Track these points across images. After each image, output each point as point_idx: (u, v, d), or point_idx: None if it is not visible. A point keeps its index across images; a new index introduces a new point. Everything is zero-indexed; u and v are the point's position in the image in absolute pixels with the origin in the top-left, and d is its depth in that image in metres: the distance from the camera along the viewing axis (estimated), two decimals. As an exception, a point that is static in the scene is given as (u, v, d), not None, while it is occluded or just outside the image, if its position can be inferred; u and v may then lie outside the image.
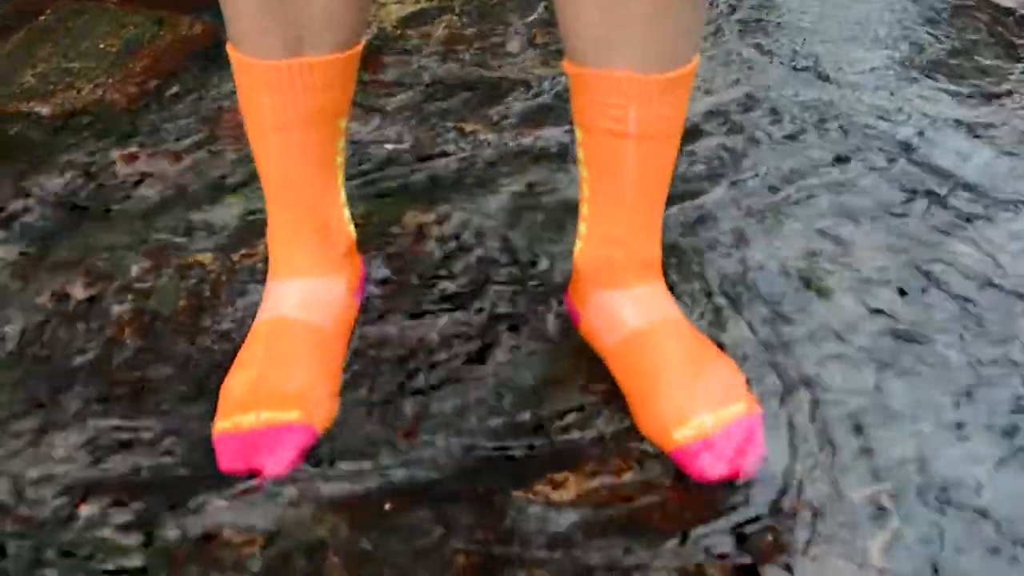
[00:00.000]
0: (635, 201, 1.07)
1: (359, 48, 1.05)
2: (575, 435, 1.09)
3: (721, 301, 1.24)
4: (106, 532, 1.00)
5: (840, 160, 1.44)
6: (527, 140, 1.48)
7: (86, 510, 1.02)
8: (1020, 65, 1.65)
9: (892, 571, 0.97)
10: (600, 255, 1.12)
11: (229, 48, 1.03)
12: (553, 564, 0.98)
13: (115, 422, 1.10)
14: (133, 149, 1.46)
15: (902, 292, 1.25)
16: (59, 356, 1.18)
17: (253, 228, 1.33)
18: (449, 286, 1.26)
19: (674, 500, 1.03)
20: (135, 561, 0.98)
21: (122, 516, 1.02)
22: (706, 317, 1.22)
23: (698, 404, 1.05)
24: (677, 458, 1.05)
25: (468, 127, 1.50)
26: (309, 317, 1.11)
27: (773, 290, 1.25)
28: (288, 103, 1.02)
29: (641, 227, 1.10)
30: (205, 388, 1.13)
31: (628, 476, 1.05)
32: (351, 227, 1.18)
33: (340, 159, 1.11)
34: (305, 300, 1.12)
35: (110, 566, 0.98)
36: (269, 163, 1.08)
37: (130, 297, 1.25)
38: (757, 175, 1.42)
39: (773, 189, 1.40)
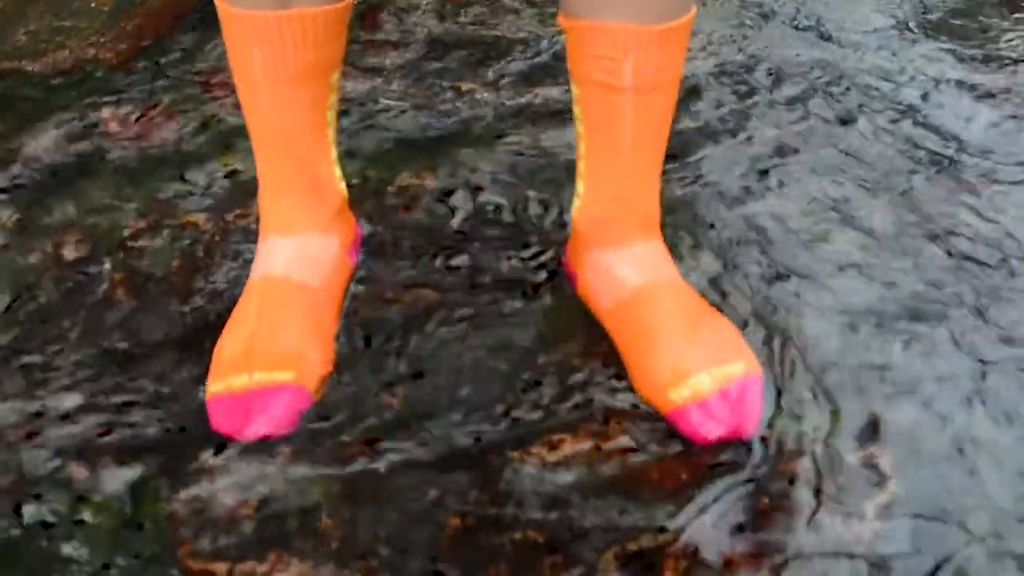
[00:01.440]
0: (633, 155, 1.06)
1: (349, 1, 1.03)
2: (572, 396, 1.08)
3: (720, 261, 1.23)
4: (99, 494, 1.00)
5: (843, 121, 1.43)
6: (525, 99, 1.46)
7: (79, 471, 1.01)
8: (1025, 25, 1.64)
9: (888, 533, 0.97)
10: (599, 213, 1.11)
11: (217, 0, 1.01)
12: (548, 526, 0.97)
13: (107, 383, 1.10)
14: (125, 108, 1.45)
15: (905, 254, 1.24)
16: (51, 317, 1.16)
17: (246, 189, 1.32)
18: (444, 246, 1.24)
19: (670, 461, 1.03)
20: (128, 523, 0.97)
21: (115, 478, 1.01)
22: (704, 276, 1.21)
23: (694, 364, 1.04)
24: (673, 419, 1.04)
25: (465, 86, 1.48)
26: (301, 276, 1.10)
27: (773, 251, 1.24)
28: (278, 56, 1.01)
29: (640, 182, 1.09)
30: (198, 349, 1.12)
31: (625, 437, 1.04)
32: (343, 185, 1.16)
33: (331, 115, 1.10)
34: (297, 258, 1.11)
35: (103, 528, 0.97)
36: (258, 117, 1.06)
37: (123, 258, 1.23)
38: (758, 135, 1.41)
39: (775, 149, 1.38)
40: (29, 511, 0.98)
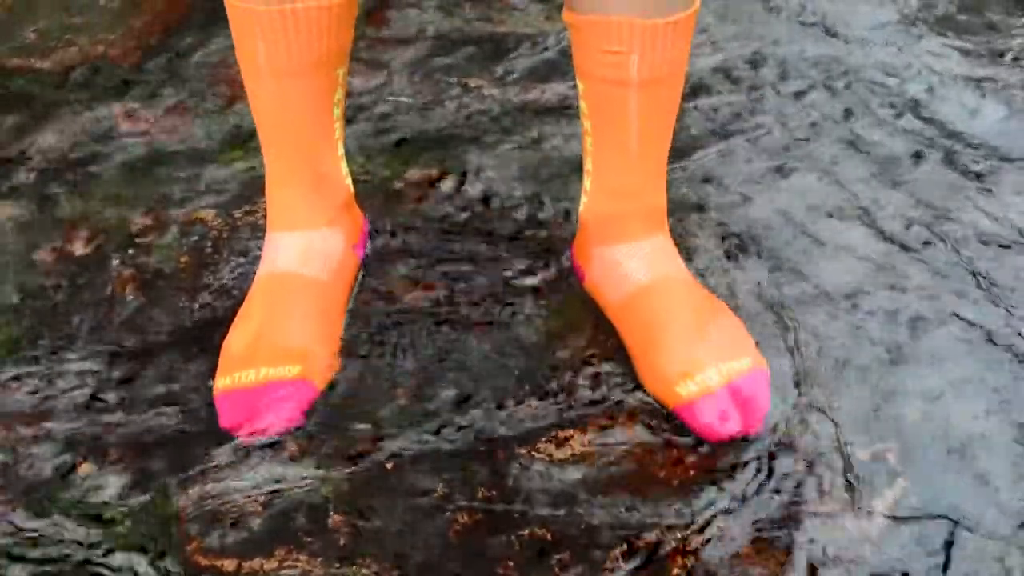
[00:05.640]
0: (640, 150, 1.06)
1: (355, -4, 1.04)
2: (579, 392, 1.08)
3: (726, 256, 1.23)
4: (106, 490, 1.00)
5: (848, 116, 1.43)
6: (531, 95, 1.46)
7: (86, 467, 1.02)
8: (1031, 20, 1.63)
9: (898, 529, 0.97)
10: (605, 208, 1.11)
11: (224, -6, 1.02)
12: (556, 523, 0.97)
13: (116, 379, 1.10)
14: (134, 105, 1.45)
15: (910, 249, 1.24)
16: (60, 313, 1.17)
17: (255, 184, 1.32)
18: (452, 242, 1.25)
19: (678, 457, 1.03)
20: (135, 519, 0.98)
21: (122, 474, 1.01)
22: (711, 272, 1.21)
23: (702, 359, 1.04)
24: (682, 415, 1.04)
25: (472, 82, 1.48)
26: (308, 271, 1.11)
27: (779, 246, 1.24)
28: (282, 50, 1.01)
29: (647, 176, 1.09)
30: (206, 345, 1.13)
31: (632, 433, 1.05)
32: (349, 180, 1.17)
33: (338, 111, 1.10)
34: (303, 253, 1.11)
35: (109, 522, 0.97)
36: (264, 110, 1.07)
37: (131, 254, 1.24)
38: (764, 131, 1.41)
39: (780, 145, 1.38)
40: (37, 507, 0.99)
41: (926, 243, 1.24)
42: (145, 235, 1.26)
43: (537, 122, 1.42)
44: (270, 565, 0.94)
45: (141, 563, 0.95)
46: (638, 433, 1.05)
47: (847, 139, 1.39)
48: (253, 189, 1.31)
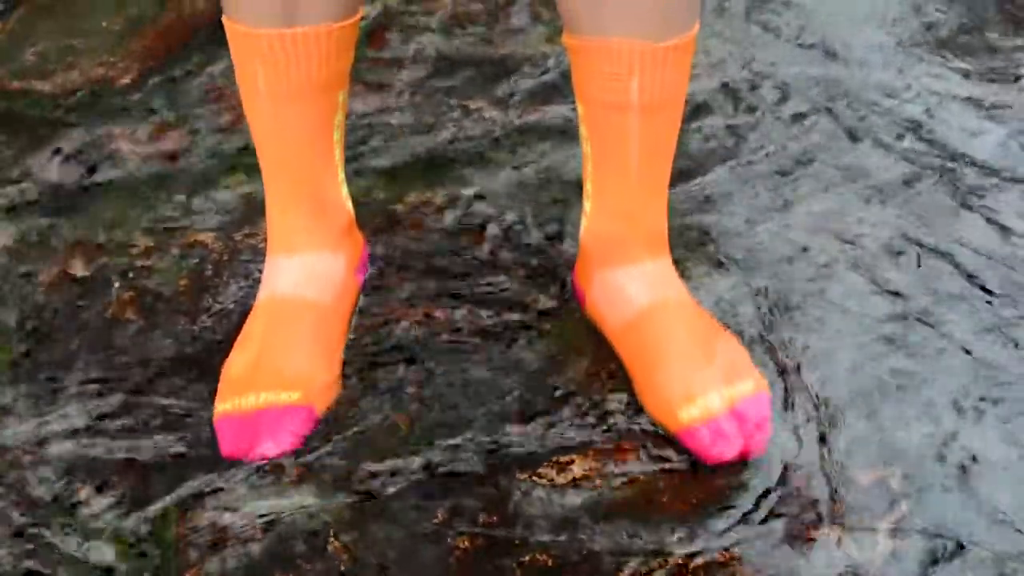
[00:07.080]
0: (640, 172, 1.06)
1: (356, 20, 1.04)
2: (580, 417, 1.08)
3: (727, 279, 1.23)
4: (105, 514, 1.00)
5: (848, 138, 1.43)
6: (532, 118, 1.46)
7: (85, 492, 1.02)
8: (1031, 42, 1.64)
9: (901, 554, 0.97)
10: (606, 231, 1.11)
11: (224, 18, 1.02)
12: (558, 548, 0.97)
13: (115, 403, 1.10)
14: (135, 127, 1.45)
15: (911, 271, 1.24)
16: (59, 336, 1.17)
17: (255, 207, 1.32)
18: (452, 265, 1.24)
19: (681, 483, 1.03)
20: (136, 545, 0.98)
21: (122, 499, 1.01)
22: (711, 295, 1.21)
23: (704, 384, 1.04)
24: (683, 439, 1.04)
25: (473, 104, 1.49)
26: (308, 295, 1.11)
27: (779, 268, 1.24)
28: (281, 73, 1.01)
29: (647, 198, 1.09)
30: (206, 369, 1.13)
31: (634, 458, 1.05)
32: (349, 204, 1.17)
33: (338, 134, 1.10)
34: (304, 277, 1.11)
35: (109, 548, 0.97)
36: (264, 134, 1.07)
37: (131, 276, 1.24)
38: (764, 153, 1.41)
39: (780, 167, 1.38)
40: (35, 532, 0.99)
41: (928, 265, 1.24)
42: (145, 258, 1.26)
43: (538, 144, 1.42)
44: (270, 591, 0.94)
45: (140, 589, 0.95)
46: (640, 458, 1.05)
47: (847, 161, 1.39)
48: (254, 212, 1.31)
